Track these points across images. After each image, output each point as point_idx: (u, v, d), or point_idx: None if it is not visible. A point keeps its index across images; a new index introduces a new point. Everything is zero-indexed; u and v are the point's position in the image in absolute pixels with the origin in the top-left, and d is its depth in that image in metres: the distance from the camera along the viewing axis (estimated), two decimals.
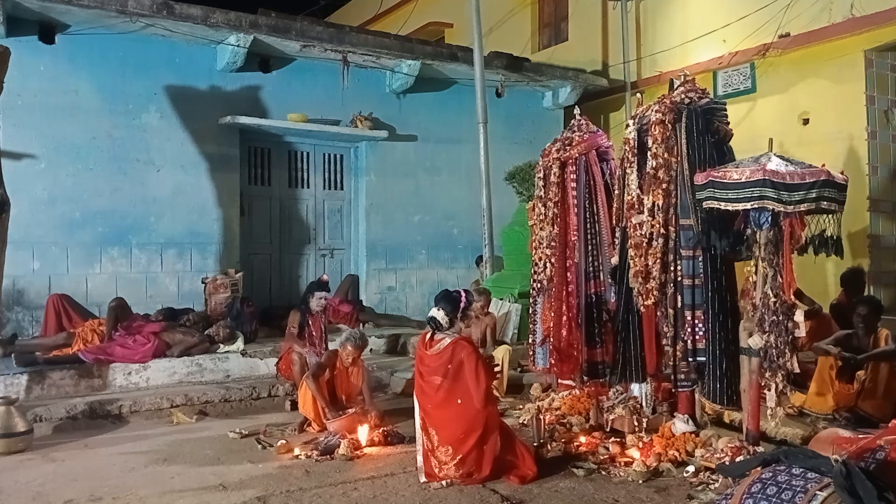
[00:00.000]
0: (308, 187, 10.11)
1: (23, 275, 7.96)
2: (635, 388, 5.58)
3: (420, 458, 4.64)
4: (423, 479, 4.56)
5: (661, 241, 5.03)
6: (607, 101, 11.77)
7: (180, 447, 5.46)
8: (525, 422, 5.78)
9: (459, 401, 4.56)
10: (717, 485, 4.26)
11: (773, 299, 4.48)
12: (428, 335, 4.80)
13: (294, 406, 6.46)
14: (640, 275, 5.12)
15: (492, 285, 8.93)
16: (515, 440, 4.72)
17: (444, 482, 4.47)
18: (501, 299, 8.53)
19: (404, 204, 10.47)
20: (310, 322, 7.05)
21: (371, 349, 8.11)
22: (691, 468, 4.56)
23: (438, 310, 4.77)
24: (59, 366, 6.73)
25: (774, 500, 3.04)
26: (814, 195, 4.37)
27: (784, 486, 3.08)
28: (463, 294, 4.89)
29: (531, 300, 6.54)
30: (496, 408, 4.80)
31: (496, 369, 5.04)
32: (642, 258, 5.11)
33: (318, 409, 5.78)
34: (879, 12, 8.13)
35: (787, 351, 4.47)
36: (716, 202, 4.60)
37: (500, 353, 6.82)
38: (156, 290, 8.71)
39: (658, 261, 5.05)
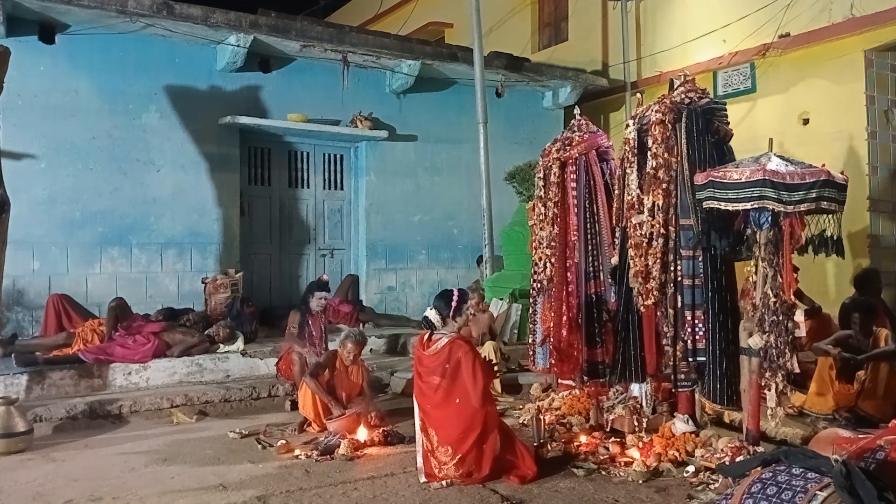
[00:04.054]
0: (308, 187, 10.11)
1: (23, 275, 7.96)
2: (635, 388, 5.58)
3: (420, 459, 4.64)
4: (423, 479, 4.56)
5: (661, 241, 5.03)
6: (607, 101, 11.77)
7: (180, 447, 5.46)
8: (525, 422, 5.78)
9: (458, 400, 4.56)
10: (717, 485, 4.25)
11: (773, 299, 4.48)
12: (426, 336, 4.80)
13: (294, 406, 6.46)
14: (640, 275, 5.12)
15: (492, 285, 8.94)
16: (515, 440, 4.72)
17: (444, 482, 4.47)
18: (501, 299, 8.53)
19: (404, 204, 10.47)
20: (310, 322, 7.04)
21: (371, 349, 8.11)
22: (691, 468, 4.56)
23: (431, 309, 4.78)
24: (59, 366, 6.72)
25: (774, 500, 3.04)
26: (814, 195, 4.37)
27: (784, 486, 3.08)
28: (456, 292, 4.88)
29: (531, 300, 6.53)
30: (495, 407, 4.79)
31: (496, 368, 5.05)
32: (642, 258, 5.11)
33: (317, 410, 5.77)
34: (879, 12, 8.12)
35: (787, 351, 4.46)
36: (716, 202, 4.60)
37: (486, 349, 6.83)
38: (156, 290, 8.71)
39: (658, 261, 5.05)
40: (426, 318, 4.78)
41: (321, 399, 5.77)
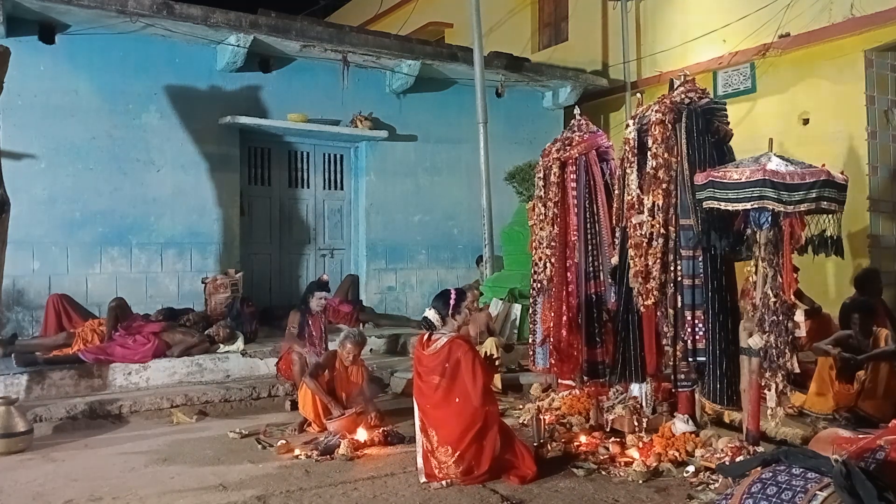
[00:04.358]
0: (308, 187, 10.11)
1: (23, 275, 7.96)
2: (635, 388, 5.58)
3: (420, 460, 4.64)
4: (423, 479, 4.55)
5: (661, 241, 5.03)
6: (607, 101, 11.77)
7: (180, 447, 5.46)
8: (525, 422, 5.77)
9: (458, 399, 4.57)
10: (717, 485, 4.25)
11: (773, 299, 4.48)
12: (425, 336, 4.80)
13: (294, 406, 6.46)
14: (640, 275, 5.11)
15: (492, 285, 8.94)
16: (515, 440, 4.72)
17: (444, 482, 4.47)
18: (501, 299, 8.53)
19: (404, 204, 10.48)
20: (310, 322, 7.05)
21: (371, 349, 8.11)
22: (691, 468, 4.56)
23: (430, 309, 4.79)
24: (59, 366, 6.72)
25: (774, 500, 3.04)
26: (814, 195, 4.37)
27: (784, 486, 3.08)
28: (454, 291, 4.88)
29: (531, 300, 6.53)
30: (496, 406, 4.79)
31: (497, 363, 5.06)
32: (642, 258, 5.11)
33: (317, 410, 5.77)
34: (879, 12, 8.12)
35: (787, 351, 4.46)
36: (716, 202, 4.60)
37: (488, 345, 6.83)
38: (156, 290, 8.71)
39: (658, 261, 5.05)
40: (426, 318, 4.79)
41: (321, 399, 5.77)
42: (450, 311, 4.77)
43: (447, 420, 4.58)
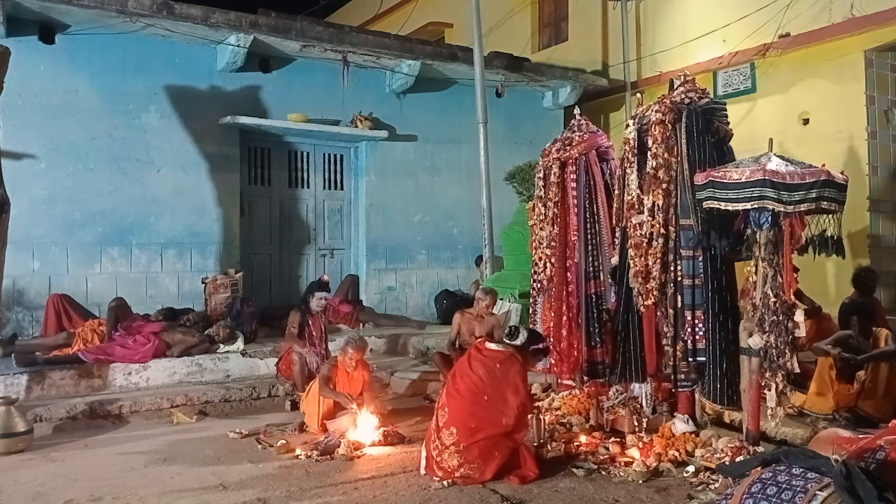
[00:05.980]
0: (308, 187, 10.11)
1: (23, 275, 7.96)
2: (635, 388, 5.58)
3: (425, 442, 4.70)
4: (422, 469, 4.58)
5: (661, 241, 5.03)
6: (607, 101, 11.77)
7: (180, 447, 5.46)
8: None
9: (486, 398, 4.63)
10: (717, 485, 4.26)
11: (773, 299, 4.48)
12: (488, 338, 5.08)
13: (294, 406, 6.46)
14: (640, 275, 5.12)
15: (492, 285, 8.92)
16: (520, 443, 4.72)
17: (445, 482, 4.46)
18: (501, 299, 8.52)
19: (404, 204, 10.47)
20: (310, 322, 7.05)
21: (371, 349, 8.10)
22: (691, 468, 4.56)
23: (524, 330, 4.99)
24: (59, 366, 6.72)
25: (774, 500, 3.04)
26: (814, 195, 4.37)
27: (784, 486, 3.08)
28: (545, 343, 5.26)
29: (531, 300, 6.54)
30: (525, 434, 4.82)
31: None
32: (642, 258, 5.11)
33: (321, 420, 5.76)
34: (879, 12, 8.13)
35: (787, 351, 4.47)
36: (716, 202, 4.60)
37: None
38: (156, 290, 8.71)
39: (658, 261, 5.05)
40: (517, 326, 5.05)
41: (340, 401, 5.76)
42: (531, 347, 4.94)
43: (465, 408, 4.61)
